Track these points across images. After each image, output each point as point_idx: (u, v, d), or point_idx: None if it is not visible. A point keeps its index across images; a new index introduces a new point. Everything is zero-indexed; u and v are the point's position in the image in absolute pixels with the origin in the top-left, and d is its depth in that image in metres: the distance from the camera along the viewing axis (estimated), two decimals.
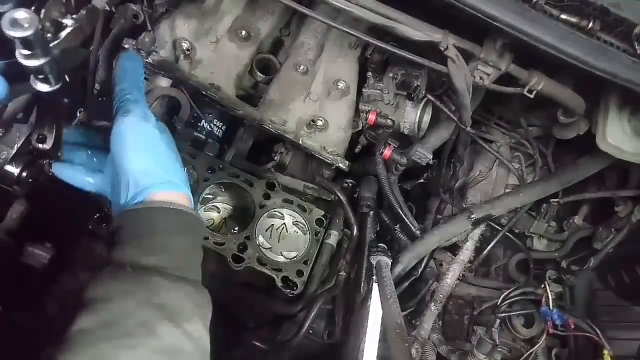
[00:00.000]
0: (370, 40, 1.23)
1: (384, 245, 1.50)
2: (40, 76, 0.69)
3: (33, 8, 0.65)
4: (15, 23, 0.58)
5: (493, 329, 1.70)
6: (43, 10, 0.66)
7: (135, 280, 0.71)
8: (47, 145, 0.80)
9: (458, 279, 1.71)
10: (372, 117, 1.55)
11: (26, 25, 0.58)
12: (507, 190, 1.84)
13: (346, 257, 1.57)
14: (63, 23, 0.72)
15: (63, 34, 0.71)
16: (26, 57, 0.63)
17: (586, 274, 1.80)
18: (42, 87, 0.71)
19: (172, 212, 0.79)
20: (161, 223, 0.77)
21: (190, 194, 0.86)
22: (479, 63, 1.23)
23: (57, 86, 0.72)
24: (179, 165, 0.86)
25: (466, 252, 1.71)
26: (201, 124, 1.55)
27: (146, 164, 0.81)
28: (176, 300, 0.71)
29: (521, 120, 1.78)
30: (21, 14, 0.58)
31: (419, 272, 1.63)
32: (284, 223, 1.54)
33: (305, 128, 1.52)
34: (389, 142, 1.56)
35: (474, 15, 1.04)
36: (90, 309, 0.68)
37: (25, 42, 0.61)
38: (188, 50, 1.43)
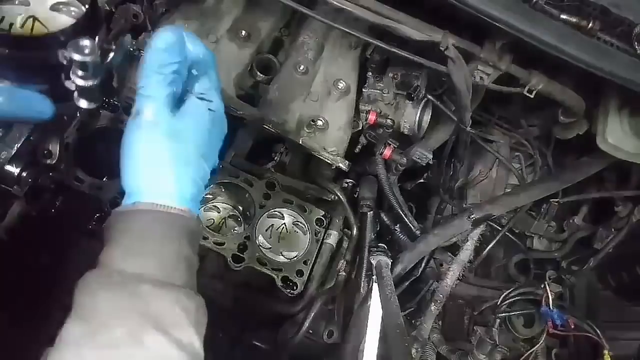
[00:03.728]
0: (371, 41, 1.23)
1: (384, 245, 1.50)
2: (85, 94, 0.80)
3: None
4: (79, 49, 0.71)
5: (493, 329, 1.70)
6: (96, 40, 0.76)
7: (121, 287, 0.68)
8: (52, 160, 0.82)
9: (458, 279, 1.71)
10: (372, 117, 1.55)
11: (87, 51, 0.71)
12: (507, 190, 1.84)
13: (346, 257, 1.57)
14: (107, 50, 0.84)
15: (108, 58, 0.83)
16: (82, 77, 0.75)
17: (586, 274, 1.80)
18: (84, 104, 0.81)
19: (160, 214, 0.74)
20: (148, 226, 0.74)
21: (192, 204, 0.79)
22: (479, 63, 1.23)
23: (96, 105, 0.83)
24: (182, 176, 0.78)
25: (466, 252, 1.71)
26: None
27: (139, 178, 0.76)
28: (163, 308, 0.69)
29: (521, 120, 1.78)
30: (85, 42, 0.71)
31: (419, 272, 1.63)
32: (284, 223, 1.54)
33: (305, 128, 1.52)
34: (389, 142, 1.56)
35: (474, 15, 1.04)
36: (77, 316, 0.67)
37: (84, 65, 0.72)
38: None
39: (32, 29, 0.78)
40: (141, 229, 0.73)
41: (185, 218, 0.77)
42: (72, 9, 0.81)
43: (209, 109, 0.82)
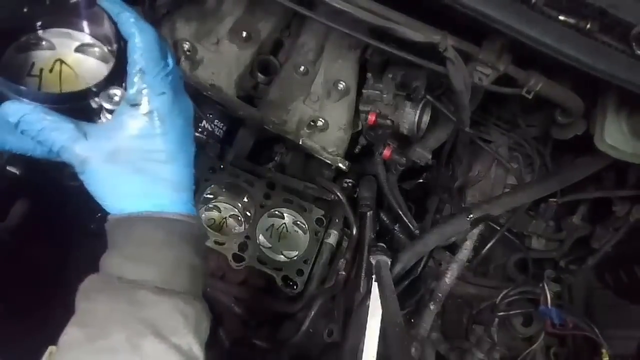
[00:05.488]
0: (370, 42, 1.24)
1: (383, 244, 1.51)
2: None
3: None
4: (110, 98, 0.73)
5: (492, 328, 1.71)
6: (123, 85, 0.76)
7: (121, 294, 0.69)
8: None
9: (457, 278, 1.72)
10: (371, 118, 1.55)
11: (117, 99, 0.73)
12: (506, 190, 1.85)
13: (346, 257, 1.58)
14: None
15: None
16: None
17: (584, 273, 1.81)
18: None
19: (162, 221, 0.74)
20: (148, 233, 0.73)
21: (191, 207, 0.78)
22: (478, 64, 1.24)
23: None
24: (161, 186, 0.75)
25: (465, 251, 1.72)
26: (202, 125, 1.55)
27: (120, 202, 0.75)
28: (162, 314, 0.69)
29: (519, 120, 1.79)
30: (115, 90, 0.73)
31: (418, 271, 1.64)
32: (284, 223, 1.55)
33: (305, 128, 1.52)
34: (389, 142, 1.56)
35: (472, 17, 1.04)
36: (77, 321, 0.67)
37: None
38: (189, 51, 1.44)
39: (60, 72, 0.81)
40: (141, 236, 0.73)
41: (185, 223, 0.76)
42: (95, 49, 0.83)
43: (143, 114, 0.72)
